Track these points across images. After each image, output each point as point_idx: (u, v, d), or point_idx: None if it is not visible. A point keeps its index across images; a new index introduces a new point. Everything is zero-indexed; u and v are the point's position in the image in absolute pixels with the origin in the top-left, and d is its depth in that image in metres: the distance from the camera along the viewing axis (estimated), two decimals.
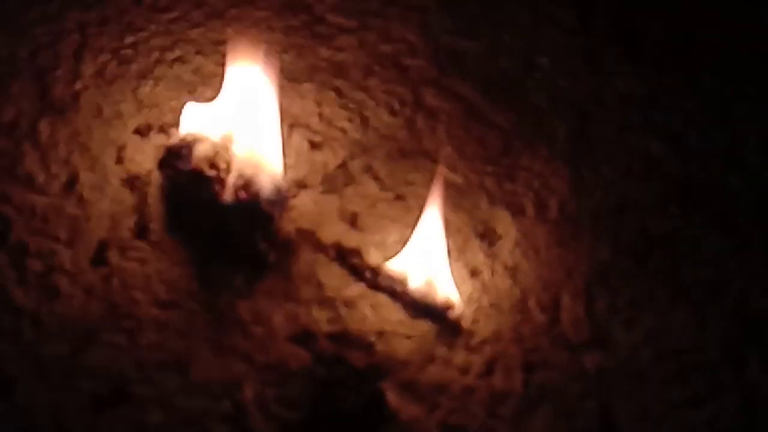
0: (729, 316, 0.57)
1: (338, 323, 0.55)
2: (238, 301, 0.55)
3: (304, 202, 0.60)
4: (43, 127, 0.62)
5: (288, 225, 0.59)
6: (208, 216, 0.57)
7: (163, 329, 0.54)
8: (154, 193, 0.59)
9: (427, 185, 0.61)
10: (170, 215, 0.58)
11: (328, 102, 0.66)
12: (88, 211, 0.58)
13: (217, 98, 0.59)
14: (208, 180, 0.57)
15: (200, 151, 0.58)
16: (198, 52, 0.67)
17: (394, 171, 0.62)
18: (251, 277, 0.56)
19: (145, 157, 0.61)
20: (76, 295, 0.54)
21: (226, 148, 0.58)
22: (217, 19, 0.69)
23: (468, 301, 0.56)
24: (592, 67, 0.70)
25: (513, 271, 0.58)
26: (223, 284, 0.56)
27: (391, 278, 0.56)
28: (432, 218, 0.55)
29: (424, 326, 0.56)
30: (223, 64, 0.59)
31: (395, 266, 0.57)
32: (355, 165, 0.63)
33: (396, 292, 0.56)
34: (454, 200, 0.60)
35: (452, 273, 0.56)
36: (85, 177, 0.60)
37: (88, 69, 0.65)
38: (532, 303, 0.57)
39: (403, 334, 0.55)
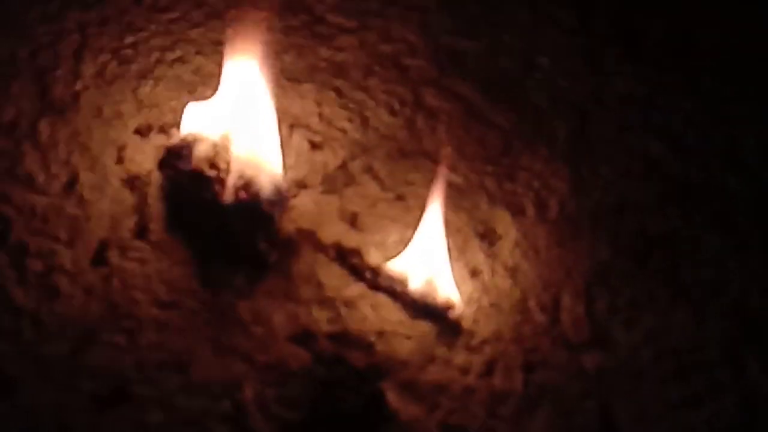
0: (728, 316, 0.58)
1: (338, 323, 0.55)
2: (239, 301, 0.55)
3: (304, 202, 0.60)
4: (44, 127, 0.62)
5: (288, 225, 0.59)
6: (208, 216, 0.58)
7: (164, 329, 0.54)
8: (154, 193, 0.59)
9: (427, 185, 0.61)
10: (170, 215, 0.59)
11: (328, 102, 0.66)
12: (88, 211, 0.58)
13: (215, 96, 0.59)
14: (209, 180, 0.57)
15: (200, 151, 0.58)
16: (198, 53, 0.67)
17: (394, 171, 0.62)
18: (251, 277, 0.56)
19: (145, 158, 0.61)
20: (76, 295, 0.55)
21: (227, 149, 0.58)
22: (217, 19, 0.69)
23: (468, 301, 0.56)
24: (592, 67, 0.70)
25: (513, 271, 0.58)
26: (224, 284, 0.56)
27: (391, 278, 0.56)
28: (433, 218, 0.55)
29: (424, 326, 0.56)
30: (223, 64, 0.59)
31: (395, 266, 0.57)
32: (356, 165, 0.63)
33: (396, 292, 0.56)
34: (454, 200, 0.60)
35: (452, 273, 0.56)
36: (85, 177, 0.60)
37: (88, 69, 0.65)
38: (532, 303, 0.57)
39: (403, 334, 0.55)
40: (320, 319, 0.55)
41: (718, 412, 0.53)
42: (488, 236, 0.60)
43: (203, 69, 0.66)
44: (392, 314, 0.56)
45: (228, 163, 0.58)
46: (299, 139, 0.64)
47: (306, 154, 0.63)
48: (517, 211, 0.61)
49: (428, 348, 0.55)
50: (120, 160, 0.61)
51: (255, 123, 0.57)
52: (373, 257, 0.57)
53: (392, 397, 0.52)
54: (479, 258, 0.59)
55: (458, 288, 0.56)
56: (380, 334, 0.55)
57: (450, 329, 0.56)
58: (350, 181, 0.62)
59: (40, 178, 0.59)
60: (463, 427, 0.52)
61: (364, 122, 0.65)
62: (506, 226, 0.60)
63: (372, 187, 0.62)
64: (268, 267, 0.57)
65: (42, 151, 0.60)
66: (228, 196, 0.57)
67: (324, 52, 0.69)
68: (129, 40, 0.67)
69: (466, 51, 0.69)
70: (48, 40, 0.66)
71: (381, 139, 0.64)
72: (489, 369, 0.54)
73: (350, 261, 0.58)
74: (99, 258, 0.56)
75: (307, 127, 0.64)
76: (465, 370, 0.54)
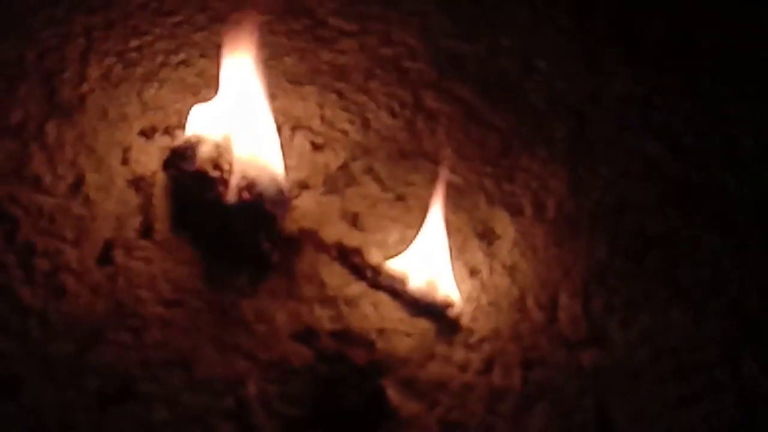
0: (727, 316, 0.58)
1: (340, 321, 0.56)
2: (242, 299, 0.56)
3: (306, 203, 0.61)
4: (50, 129, 0.62)
5: (290, 225, 0.59)
6: (212, 216, 0.58)
7: (168, 327, 0.54)
8: (158, 193, 0.60)
9: (427, 186, 0.62)
10: (175, 215, 0.59)
11: (329, 104, 0.66)
12: (94, 212, 0.59)
13: (216, 97, 0.60)
14: (212, 181, 0.58)
15: (204, 152, 0.59)
16: (202, 55, 0.68)
17: (395, 172, 0.63)
18: (254, 277, 0.57)
19: (150, 159, 0.62)
20: (82, 294, 0.55)
21: (230, 150, 0.59)
22: (221, 22, 0.69)
23: (467, 299, 0.57)
24: (591, 67, 0.70)
25: (511, 271, 0.59)
26: (227, 283, 0.57)
27: (391, 277, 0.57)
28: (435, 219, 0.56)
29: (424, 324, 0.56)
30: (221, 66, 0.59)
31: (396, 265, 0.57)
32: (357, 166, 0.63)
33: (396, 290, 0.57)
34: (454, 200, 0.60)
35: (452, 272, 0.56)
36: (91, 178, 0.60)
37: (94, 72, 0.66)
38: (530, 302, 0.57)
39: (403, 332, 0.56)
40: (322, 317, 0.56)
41: (716, 412, 0.53)
42: (487, 236, 0.60)
43: (207, 72, 0.67)
44: (393, 312, 0.56)
45: (231, 164, 0.58)
46: (301, 141, 0.64)
47: (308, 155, 0.64)
48: (515, 211, 0.61)
49: (428, 345, 0.55)
50: (125, 162, 0.61)
51: (256, 124, 0.58)
52: (373, 256, 0.58)
53: (393, 394, 0.53)
54: (478, 257, 0.59)
55: (457, 286, 0.56)
56: (381, 331, 0.55)
57: (449, 327, 0.56)
58: (351, 181, 0.62)
59: (47, 179, 0.60)
60: (463, 423, 0.52)
61: (365, 124, 0.66)
62: (505, 225, 0.61)
63: (373, 188, 0.62)
64: (270, 266, 0.57)
65: (49, 153, 0.61)
66: (231, 196, 0.57)
67: (326, 55, 0.69)
68: (134, 43, 0.68)
69: (465, 54, 0.70)
70: (55, 44, 0.67)
71: (382, 141, 0.65)
72: (488, 366, 0.55)
73: (351, 260, 0.58)
74: (105, 257, 0.57)
75: (309, 129, 0.65)
76: (464, 368, 0.54)
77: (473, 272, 0.58)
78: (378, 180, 0.62)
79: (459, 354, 0.55)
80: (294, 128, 0.65)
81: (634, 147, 0.66)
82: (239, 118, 0.59)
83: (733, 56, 0.72)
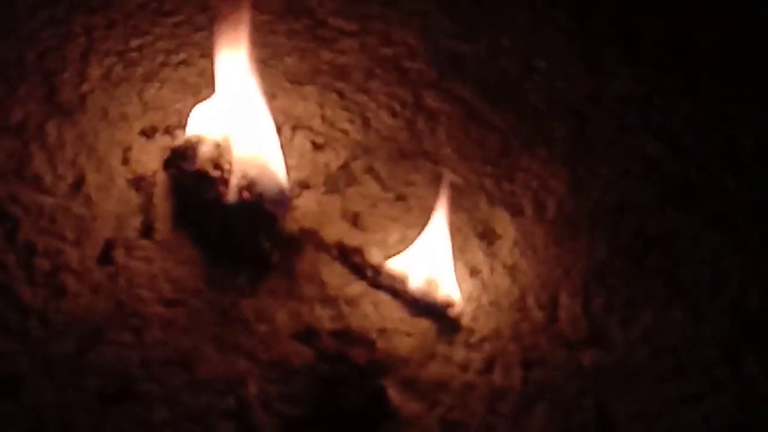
0: (727, 315, 0.58)
1: (340, 321, 0.56)
2: (242, 299, 0.56)
3: (306, 202, 0.61)
4: (51, 129, 0.63)
5: (291, 225, 0.59)
6: (212, 216, 0.58)
7: (169, 327, 0.55)
8: (159, 193, 0.60)
9: (428, 185, 0.62)
10: (175, 215, 0.59)
11: (330, 104, 0.67)
12: (94, 211, 0.59)
13: (213, 95, 0.60)
14: (213, 181, 0.58)
15: (204, 152, 0.59)
16: (202, 55, 0.68)
17: (395, 172, 0.63)
18: (255, 276, 0.57)
19: (150, 158, 0.62)
20: (82, 294, 0.55)
21: (230, 150, 0.59)
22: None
23: (468, 299, 0.57)
24: (591, 67, 0.70)
25: (512, 270, 0.59)
26: (228, 283, 0.57)
27: (392, 277, 0.57)
28: (438, 220, 0.56)
29: (425, 324, 0.56)
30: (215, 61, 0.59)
31: (396, 265, 0.57)
32: (357, 166, 0.63)
33: (397, 290, 0.57)
34: (454, 200, 0.60)
35: (453, 272, 0.57)
36: (92, 178, 0.60)
37: (94, 72, 0.66)
38: (530, 301, 0.57)
39: (404, 331, 0.56)
40: (322, 317, 0.56)
41: (716, 411, 0.53)
42: (487, 236, 0.60)
43: (208, 71, 0.66)
44: (393, 312, 0.56)
45: (231, 164, 0.58)
46: (302, 140, 0.64)
47: (308, 155, 0.64)
48: (516, 211, 0.62)
49: (428, 345, 0.55)
50: (126, 161, 0.62)
51: (255, 123, 0.58)
52: (374, 256, 0.58)
53: (393, 394, 0.53)
54: (478, 257, 0.59)
55: (458, 286, 0.56)
56: (381, 331, 0.55)
57: (450, 327, 0.56)
58: (352, 181, 0.62)
59: (48, 178, 0.60)
60: (463, 423, 0.52)
61: (366, 124, 0.66)
62: (505, 225, 0.61)
63: (373, 188, 0.62)
64: (271, 266, 0.57)
65: (49, 152, 0.61)
66: (231, 196, 0.58)
67: (326, 55, 0.69)
68: (135, 43, 0.68)
69: (465, 54, 0.70)
70: (55, 43, 0.67)
71: (382, 141, 0.65)
72: (488, 366, 0.55)
73: (352, 260, 0.58)
74: (105, 257, 0.57)
75: (310, 129, 0.65)
76: (465, 367, 0.55)
77: (474, 272, 0.58)
78: (378, 180, 0.63)
79: (459, 354, 0.55)
80: (294, 128, 0.65)
81: (634, 147, 0.66)
82: (239, 118, 0.59)
83: (733, 56, 0.72)
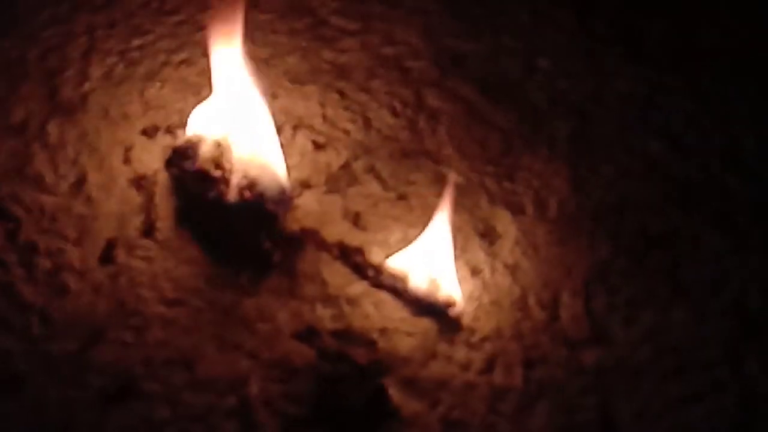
0: (728, 315, 0.58)
1: (341, 320, 0.56)
2: (244, 298, 0.56)
3: (308, 202, 0.61)
4: (52, 128, 0.63)
5: (292, 224, 0.59)
6: (213, 215, 0.58)
7: (170, 326, 0.55)
8: (160, 192, 0.60)
9: (429, 185, 0.62)
10: (176, 215, 0.59)
11: (331, 103, 0.67)
12: (96, 211, 0.59)
13: (212, 93, 0.60)
14: (214, 180, 0.58)
15: (206, 151, 0.59)
16: (204, 55, 0.67)
17: (397, 171, 0.63)
18: (256, 276, 0.57)
19: (151, 158, 0.62)
20: (84, 293, 0.55)
21: (231, 149, 0.59)
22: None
23: (469, 298, 0.57)
24: (592, 67, 0.70)
25: (513, 270, 0.59)
26: (229, 282, 0.57)
27: (393, 276, 0.57)
28: (440, 220, 0.56)
29: (426, 323, 0.56)
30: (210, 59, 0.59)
31: (397, 265, 0.57)
32: (358, 165, 0.63)
33: (398, 290, 0.57)
34: (456, 200, 0.60)
35: (454, 271, 0.57)
36: (93, 177, 0.60)
37: (96, 71, 0.66)
38: (531, 301, 0.57)
39: (405, 331, 0.56)
40: (324, 316, 0.56)
41: (717, 410, 0.54)
42: (489, 235, 0.60)
43: (209, 71, 0.67)
44: (394, 312, 0.56)
45: (232, 164, 0.58)
46: (303, 140, 0.64)
47: (309, 155, 0.64)
48: (517, 211, 0.62)
49: (430, 345, 0.55)
50: (127, 161, 0.62)
51: (256, 123, 0.58)
52: (375, 256, 0.58)
53: (394, 393, 0.53)
54: (480, 256, 0.59)
55: (459, 286, 0.57)
56: (382, 331, 0.56)
57: (451, 326, 0.56)
58: (353, 181, 0.62)
59: (49, 178, 0.60)
60: (464, 422, 0.52)
61: (367, 123, 0.66)
62: (506, 225, 0.61)
63: (374, 187, 0.62)
64: (272, 265, 0.57)
65: (51, 152, 0.61)
66: (233, 195, 0.58)
67: (327, 54, 0.69)
68: (136, 42, 0.68)
69: (467, 53, 0.70)
70: (57, 43, 0.67)
71: (383, 140, 0.65)
72: (489, 365, 0.55)
73: (353, 259, 0.58)
74: (106, 256, 0.57)
75: (311, 128, 0.65)
76: (466, 367, 0.55)
77: (475, 271, 0.58)
78: (380, 179, 0.63)
79: (460, 353, 0.55)
80: (295, 127, 0.65)
81: (635, 146, 0.66)
82: (240, 118, 0.59)
83: (734, 56, 0.72)
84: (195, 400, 0.52)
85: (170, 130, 0.63)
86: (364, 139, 0.65)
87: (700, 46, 0.72)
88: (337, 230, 0.60)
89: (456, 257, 0.57)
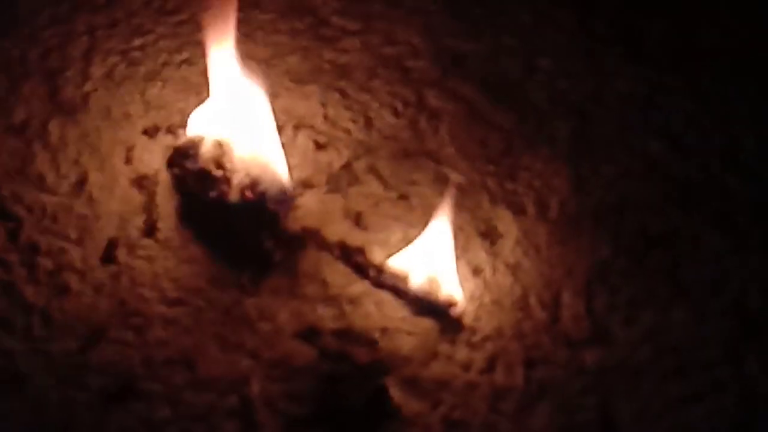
0: (728, 315, 0.58)
1: (343, 320, 0.56)
2: (245, 298, 0.56)
3: (309, 202, 0.61)
4: (53, 128, 0.63)
5: (293, 224, 0.59)
6: (214, 215, 0.58)
7: (171, 326, 0.55)
8: (162, 192, 0.60)
9: (430, 185, 0.62)
10: (178, 214, 0.59)
11: (332, 103, 0.67)
12: (97, 211, 0.59)
13: (210, 93, 0.60)
14: (215, 180, 0.58)
15: (207, 151, 0.59)
16: (205, 54, 0.68)
17: (398, 171, 0.63)
18: (257, 275, 0.57)
19: (153, 158, 0.62)
20: (85, 293, 0.55)
21: (233, 149, 0.59)
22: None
23: (470, 298, 0.57)
24: (592, 67, 0.70)
25: (514, 269, 0.59)
26: (230, 282, 0.57)
27: (394, 276, 0.57)
28: (441, 219, 0.56)
29: (427, 323, 0.56)
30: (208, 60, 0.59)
31: (398, 264, 0.57)
32: (360, 165, 0.63)
33: (399, 289, 0.57)
34: (457, 200, 0.60)
35: (456, 271, 0.57)
36: (95, 177, 0.60)
37: (97, 71, 0.66)
38: (533, 300, 0.58)
39: (406, 330, 0.56)
40: (325, 316, 0.56)
41: (717, 410, 0.54)
42: (490, 235, 0.60)
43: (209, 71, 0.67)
44: (395, 311, 0.56)
45: (234, 163, 0.58)
46: (304, 140, 0.64)
47: (311, 154, 0.64)
48: (518, 210, 0.62)
49: (431, 344, 0.55)
50: (128, 160, 0.62)
51: (258, 123, 0.58)
52: (376, 255, 0.58)
53: (395, 393, 0.53)
54: (481, 256, 0.59)
55: (460, 285, 0.57)
56: (384, 330, 0.56)
57: (452, 326, 0.56)
58: (354, 180, 0.63)
59: (50, 177, 0.60)
60: (465, 422, 0.52)
61: (368, 123, 0.66)
62: (507, 224, 0.61)
63: (376, 187, 0.62)
64: (273, 265, 0.57)
65: (52, 152, 0.61)
66: (234, 195, 0.58)
67: (328, 54, 0.69)
68: (137, 42, 0.68)
69: (467, 53, 0.70)
70: (58, 42, 0.67)
71: (384, 140, 0.65)
72: (490, 365, 0.55)
73: (354, 259, 0.58)
74: (108, 256, 0.57)
75: (312, 128, 0.65)
76: (467, 367, 0.55)
77: (476, 271, 0.58)
78: (381, 179, 0.63)
79: (462, 353, 0.55)
80: (297, 127, 0.65)
81: (636, 146, 0.66)
82: (242, 117, 0.59)
83: (734, 56, 0.72)
84: (196, 399, 0.52)
85: (171, 130, 0.63)
86: (365, 138, 0.65)
87: (700, 46, 0.72)
88: (339, 230, 0.60)
89: (457, 257, 0.57)
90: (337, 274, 0.58)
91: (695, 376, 0.55)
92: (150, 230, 0.59)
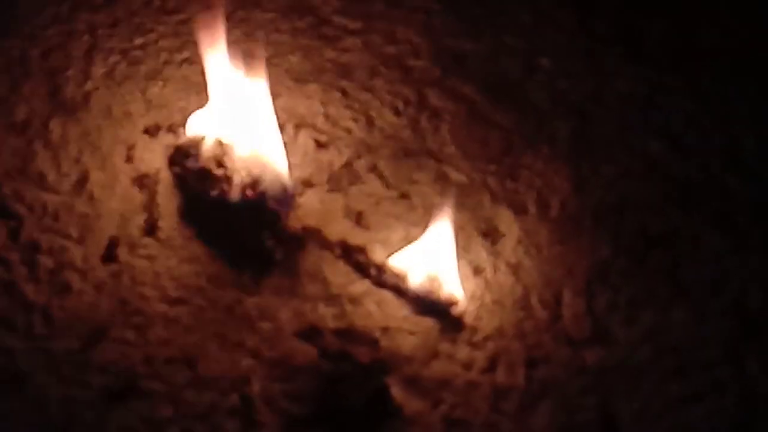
0: (728, 315, 0.58)
1: (344, 319, 0.56)
2: (246, 297, 0.56)
3: (310, 201, 0.61)
4: (55, 127, 0.63)
5: (294, 223, 0.59)
6: (215, 214, 0.58)
7: (172, 325, 0.55)
8: (162, 191, 0.60)
9: (431, 184, 0.62)
10: (179, 213, 0.59)
11: (333, 102, 0.67)
12: (98, 209, 0.59)
13: (208, 93, 0.60)
14: (216, 179, 0.58)
15: (208, 150, 0.59)
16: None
17: (399, 170, 0.63)
18: (258, 274, 0.57)
19: (154, 157, 0.62)
20: (86, 292, 0.55)
21: (234, 148, 0.59)
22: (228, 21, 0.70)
23: (471, 297, 0.57)
24: (592, 67, 0.70)
25: (515, 269, 0.59)
26: (231, 281, 0.57)
27: (395, 275, 0.57)
28: (441, 218, 0.56)
29: (428, 323, 0.56)
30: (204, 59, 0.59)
31: (399, 263, 0.57)
32: (361, 164, 0.63)
33: (400, 288, 0.57)
34: (458, 199, 0.60)
35: (457, 270, 0.57)
36: (96, 176, 0.60)
37: (98, 70, 0.66)
38: (534, 300, 0.58)
39: (407, 330, 0.56)
40: (326, 315, 0.56)
41: (717, 410, 0.54)
42: (491, 234, 0.60)
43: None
44: (396, 311, 0.57)
45: (235, 162, 0.58)
46: (305, 139, 0.65)
47: (312, 154, 0.64)
48: (519, 210, 0.62)
49: (432, 344, 0.55)
50: (129, 159, 0.62)
51: (259, 122, 0.58)
52: (377, 254, 0.58)
53: (396, 392, 0.53)
54: (482, 256, 0.59)
55: (461, 285, 0.57)
56: (385, 330, 0.56)
57: (453, 325, 0.56)
58: (355, 179, 0.63)
59: (52, 176, 0.60)
60: (467, 421, 0.52)
61: (369, 122, 0.66)
62: (508, 224, 0.61)
63: (376, 186, 0.62)
64: (274, 264, 0.57)
65: (53, 150, 0.61)
66: (235, 194, 0.58)
67: (329, 53, 0.69)
68: (138, 41, 0.68)
69: (468, 52, 0.70)
70: (59, 41, 0.67)
71: (385, 139, 0.65)
72: (492, 364, 0.55)
73: (355, 258, 0.58)
74: (109, 255, 0.57)
75: (313, 127, 0.65)
76: (468, 366, 0.55)
77: (477, 270, 0.59)
78: (382, 178, 0.63)
79: (463, 352, 0.55)
80: (298, 126, 0.65)
81: (636, 146, 0.66)
82: (243, 117, 0.59)
83: (734, 56, 0.72)
84: (197, 398, 0.52)
85: (172, 129, 0.63)
86: (366, 138, 0.65)
87: (700, 46, 0.72)
88: (340, 229, 0.60)
89: (458, 256, 0.57)
90: (338, 274, 0.58)
91: (695, 376, 0.55)
92: (151, 229, 0.59)
